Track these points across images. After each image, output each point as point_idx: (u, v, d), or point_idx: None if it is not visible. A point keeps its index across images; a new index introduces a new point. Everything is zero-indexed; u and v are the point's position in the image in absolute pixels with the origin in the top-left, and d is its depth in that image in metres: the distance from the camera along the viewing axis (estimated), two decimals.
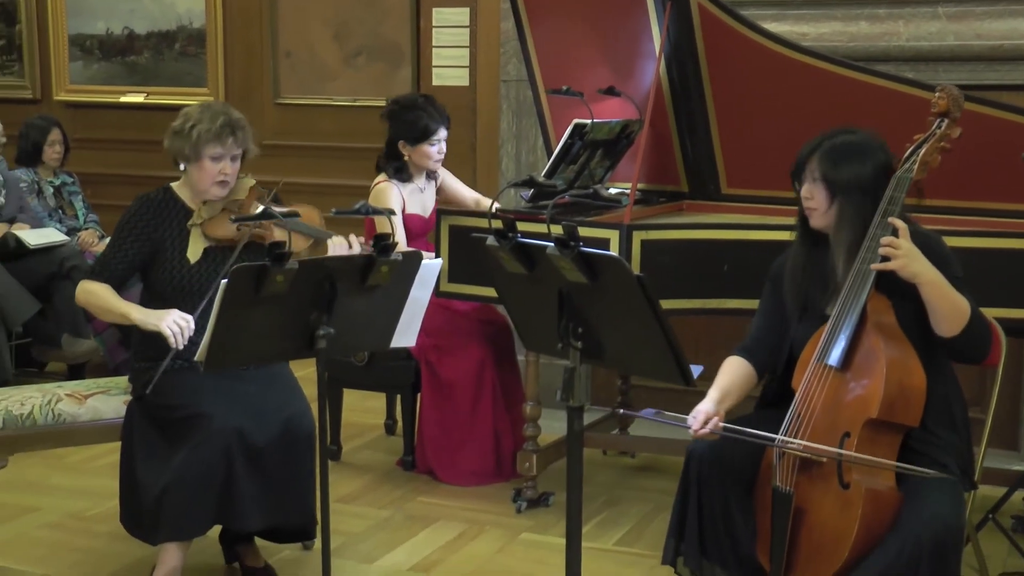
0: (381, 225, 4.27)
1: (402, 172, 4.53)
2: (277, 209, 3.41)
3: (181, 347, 3.30)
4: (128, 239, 3.47)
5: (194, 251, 3.48)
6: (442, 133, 4.50)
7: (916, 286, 2.78)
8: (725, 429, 2.84)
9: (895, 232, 2.76)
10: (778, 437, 2.79)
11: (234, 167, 3.50)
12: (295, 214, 3.47)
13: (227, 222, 3.47)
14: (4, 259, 5.40)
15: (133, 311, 3.39)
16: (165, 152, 3.54)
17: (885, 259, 2.76)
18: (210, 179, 3.46)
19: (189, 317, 3.33)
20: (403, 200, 4.49)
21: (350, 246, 3.53)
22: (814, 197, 2.90)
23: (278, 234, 3.44)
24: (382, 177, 4.55)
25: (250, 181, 3.60)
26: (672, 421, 2.86)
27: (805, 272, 2.98)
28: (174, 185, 3.58)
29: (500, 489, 4.38)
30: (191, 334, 3.30)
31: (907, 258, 2.74)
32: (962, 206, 3.84)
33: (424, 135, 4.46)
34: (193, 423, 3.27)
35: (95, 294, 3.45)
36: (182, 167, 3.51)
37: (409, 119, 4.47)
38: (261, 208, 3.42)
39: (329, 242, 3.51)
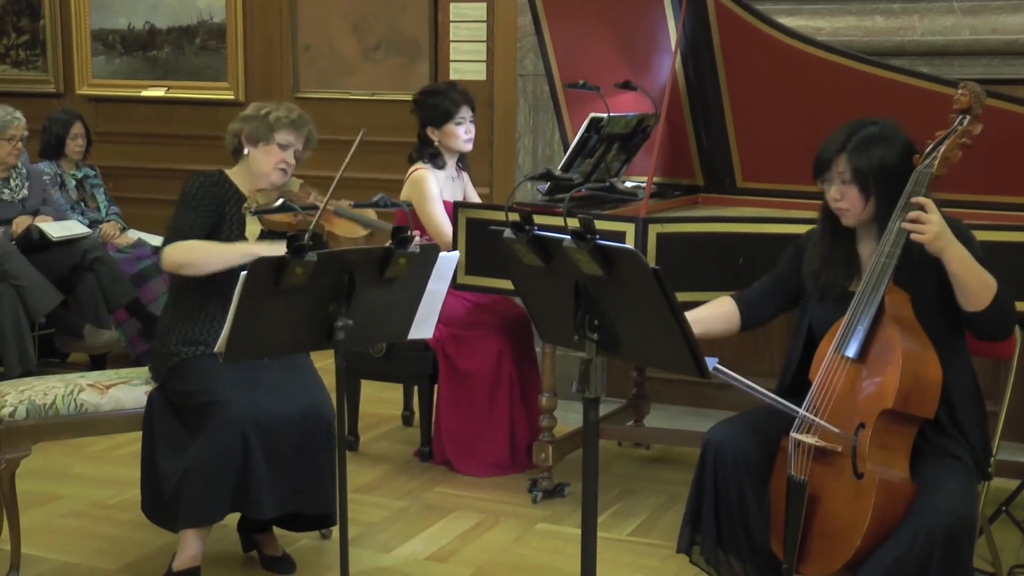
0: (422, 216, 4.40)
1: (437, 158, 4.59)
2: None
3: None
4: (199, 207, 3.48)
5: (251, 232, 3.53)
6: (466, 112, 4.57)
7: (934, 277, 2.81)
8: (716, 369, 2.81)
9: (922, 210, 2.77)
10: (801, 411, 2.81)
11: (294, 163, 3.59)
12: (314, 207, 3.51)
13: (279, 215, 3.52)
14: (27, 251, 5.45)
15: (256, 247, 3.37)
16: (230, 136, 3.59)
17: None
18: (274, 163, 3.53)
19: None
20: (439, 187, 4.54)
21: None
22: (845, 198, 2.89)
23: (337, 223, 3.52)
24: (418, 165, 4.60)
25: (297, 181, 3.69)
26: None
27: (826, 261, 2.99)
28: (227, 171, 3.62)
29: (516, 480, 4.41)
30: None
31: (939, 229, 2.74)
32: (977, 200, 3.84)
33: (447, 116, 4.53)
34: (211, 410, 3.31)
35: (197, 247, 3.41)
36: (245, 151, 3.56)
37: (432, 103, 4.56)
38: (280, 201, 3.46)
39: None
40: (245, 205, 3.53)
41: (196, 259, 3.40)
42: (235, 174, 3.61)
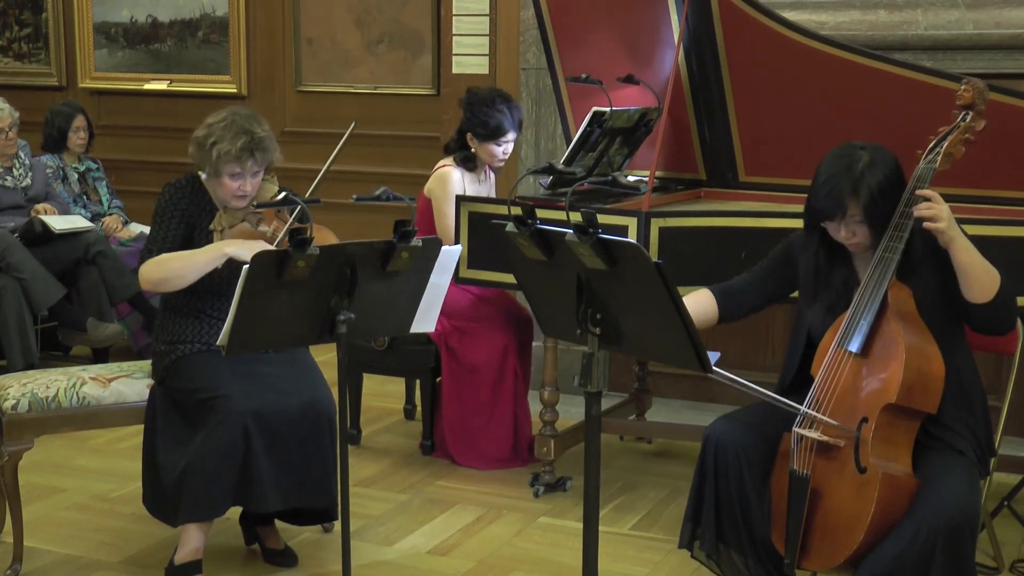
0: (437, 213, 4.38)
1: (469, 161, 4.55)
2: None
3: None
4: (174, 220, 3.46)
5: None
6: (511, 136, 4.52)
7: (936, 272, 2.82)
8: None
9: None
10: (804, 409, 2.82)
11: (254, 182, 3.48)
12: (316, 201, 3.50)
13: (245, 234, 3.48)
14: (30, 244, 5.45)
15: (226, 245, 3.34)
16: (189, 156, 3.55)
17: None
18: (229, 194, 3.46)
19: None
20: (463, 187, 4.52)
21: None
22: (857, 235, 2.87)
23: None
24: (447, 161, 4.58)
25: (273, 188, 3.58)
26: None
27: (829, 290, 2.97)
28: (202, 174, 3.60)
29: (518, 473, 4.41)
30: None
31: (950, 218, 2.75)
32: (979, 194, 3.84)
33: (494, 135, 4.47)
34: (213, 405, 3.31)
35: (168, 260, 3.37)
36: (204, 176, 3.51)
37: (484, 116, 4.47)
38: (283, 195, 3.45)
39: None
40: (212, 226, 3.50)
41: (170, 272, 3.37)
42: (209, 181, 3.55)
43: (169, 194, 3.51)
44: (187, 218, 3.48)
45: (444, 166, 4.56)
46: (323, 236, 3.56)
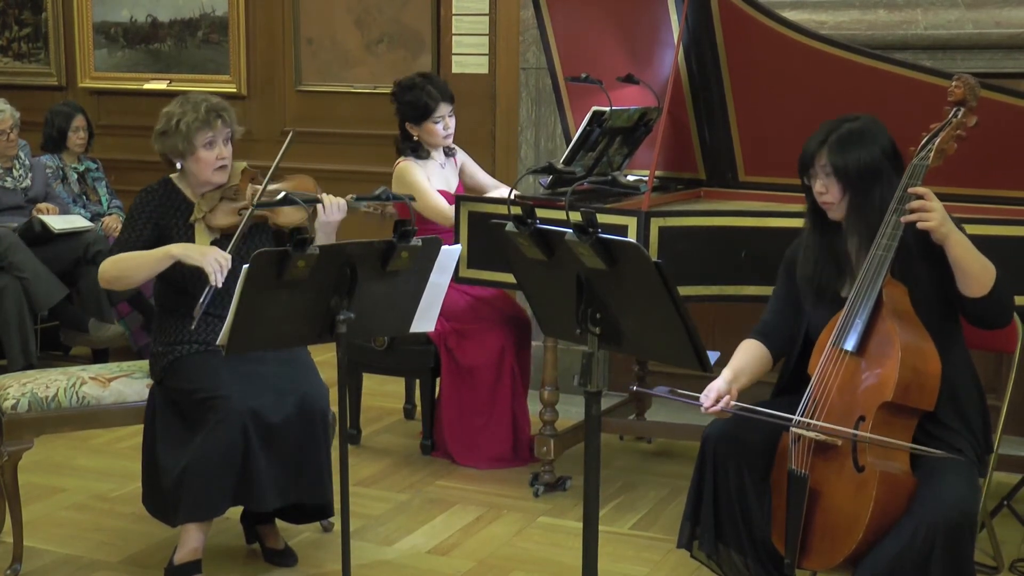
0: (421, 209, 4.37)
1: (419, 151, 4.58)
2: (296, 195, 3.45)
3: (219, 285, 3.32)
4: (140, 223, 3.50)
5: (202, 242, 3.50)
6: (443, 109, 4.54)
7: (931, 269, 2.82)
8: (737, 407, 2.87)
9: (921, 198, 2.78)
10: (796, 418, 2.82)
11: (227, 149, 3.53)
12: (316, 200, 3.50)
13: (227, 210, 3.51)
14: (30, 244, 5.45)
15: (173, 247, 3.40)
16: (159, 154, 3.56)
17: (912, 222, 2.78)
18: (209, 167, 3.49)
19: (228, 256, 3.35)
20: (426, 175, 4.53)
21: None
22: (829, 191, 2.91)
23: (280, 213, 3.52)
24: (400, 159, 4.59)
25: (241, 164, 3.64)
26: (685, 399, 2.89)
27: (818, 260, 2.99)
28: (173, 177, 3.61)
29: (518, 473, 4.41)
30: (228, 270, 3.32)
31: (943, 215, 2.76)
32: (978, 194, 3.84)
33: (425, 113, 4.51)
34: (211, 405, 3.32)
35: (122, 259, 3.44)
36: (179, 166, 3.53)
37: (409, 100, 4.54)
38: (283, 195, 3.46)
39: (324, 201, 3.51)
40: (192, 217, 3.52)
41: (121, 270, 3.43)
42: (180, 179, 3.58)
43: (139, 199, 3.54)
44: (155, 220, 3.51)
45: (400, 163, 4.58)
46: (302, 183, 3.58)
